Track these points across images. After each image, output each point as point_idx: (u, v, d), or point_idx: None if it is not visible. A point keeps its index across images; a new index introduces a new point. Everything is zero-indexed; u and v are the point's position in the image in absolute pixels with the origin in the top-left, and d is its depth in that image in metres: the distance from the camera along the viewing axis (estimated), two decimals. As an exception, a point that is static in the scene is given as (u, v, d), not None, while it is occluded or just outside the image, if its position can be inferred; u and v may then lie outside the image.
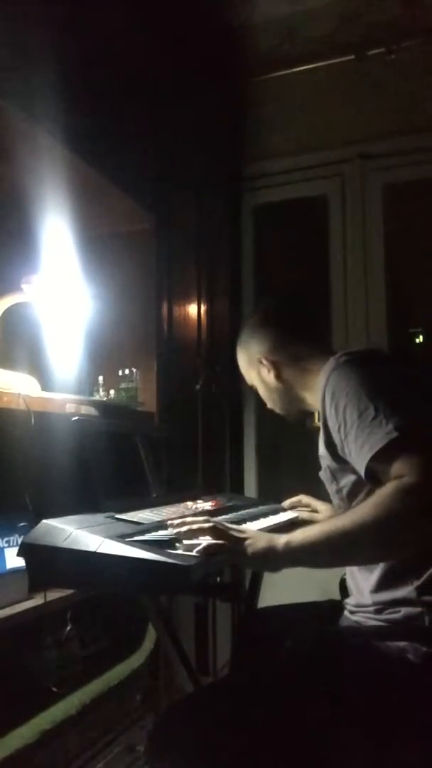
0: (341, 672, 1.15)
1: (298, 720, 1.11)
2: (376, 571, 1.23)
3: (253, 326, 1.53)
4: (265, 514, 1.59)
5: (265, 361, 1.47)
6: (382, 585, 1.22)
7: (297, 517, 1.63)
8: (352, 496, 1.27)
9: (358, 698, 1.10)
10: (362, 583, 1.27)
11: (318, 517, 1.67)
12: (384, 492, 1.05)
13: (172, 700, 1.25)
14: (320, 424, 1.30)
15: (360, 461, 1.13)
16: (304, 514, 1.68)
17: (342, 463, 1.25)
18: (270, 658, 1.27)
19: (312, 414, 1.52)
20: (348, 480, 1.27)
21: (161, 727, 1.30)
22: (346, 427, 1.17)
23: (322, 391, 1.27)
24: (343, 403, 1.19)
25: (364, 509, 1.06)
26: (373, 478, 1.11)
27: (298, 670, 1.18)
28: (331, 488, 1.34)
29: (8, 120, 1.58)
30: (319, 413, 1.39)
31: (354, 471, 1.21)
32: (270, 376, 1.47)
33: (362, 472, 1.13)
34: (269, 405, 1.57)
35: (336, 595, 1.49)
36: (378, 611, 1.23)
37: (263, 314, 1.54)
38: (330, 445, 1.25)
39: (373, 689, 1.12)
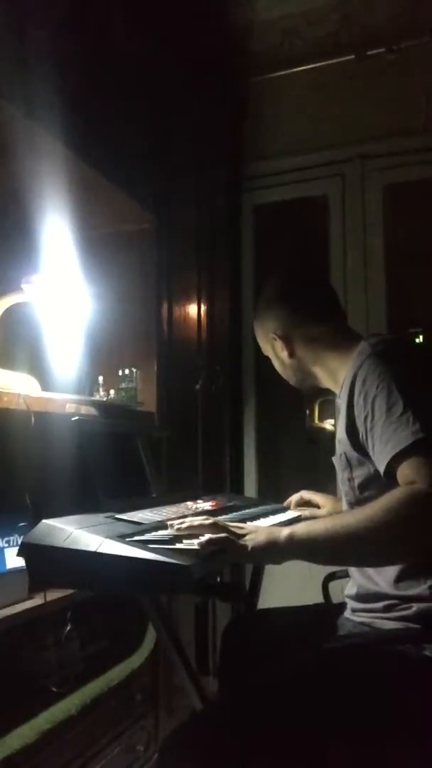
0: (358, 685, 1.11)
1: (317, 743, 1.08)
2: (392, 568, 1.21)
3: (268, 300, 1.50)
4: (265, 514, 1.59)
5: (278, 339, 1.45)
6: (397, 580, 1.20)
7: (298, 517, 1.64)
8: (363, 488, 1.26)
9: (381, 710, 1.08)
10: (376, 577, 1.25)
11: (320, 512, 1.67)
12: (395, 496, 1.04)
13: (173, 727, 1.21)
14: (342, 408, 1.28)
15: (382, 458, 1.12)
16: (306, 513, 1.67)
17: (361, 453, 1.23)
18: (274, 673, 1.24)
19: (323, 390, 1.50)
20: (363, 471, 1.25)
21: (166, 757, 1.23)
22: (373, 419, 1.15)
23: (351, 375, 1.24)
24: (373, 393, 1.16)
25: (372, 511, 1.04)
26: (391, 475, 1.10)
27: (309, 685, 1.14)
28: (342, 475, 1.32)
29: (8, 120, 1.58)
30: (337, 393, 1.38)
31: (372, 463, 1.19)
32: (283, 353, 1.46)
33: (381, 469, 1.12)
34: (283, 376, 1.55)
35: (338, 596, 1.48)
36: (387, 608, 1.21)
37: (279, 288, 1.50)
38: (352, 431, 1.23)
39: (397, 698, 1.09)
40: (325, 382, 1.44)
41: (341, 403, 1.30)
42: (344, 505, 1.38)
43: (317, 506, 1.70)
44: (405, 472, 1.07)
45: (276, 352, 1.49)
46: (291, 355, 1.45)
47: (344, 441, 1.27)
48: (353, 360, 1.27)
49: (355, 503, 1.29)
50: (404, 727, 1.08)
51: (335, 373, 1.39)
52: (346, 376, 1.29)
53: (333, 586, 1.59)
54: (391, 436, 1.10)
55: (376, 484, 1.21)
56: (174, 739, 1.18)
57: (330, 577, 1.63)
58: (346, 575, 1.43)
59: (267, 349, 1.54)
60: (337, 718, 1.09)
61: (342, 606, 1.39)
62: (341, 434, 1.28)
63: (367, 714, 1.08)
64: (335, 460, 1.36)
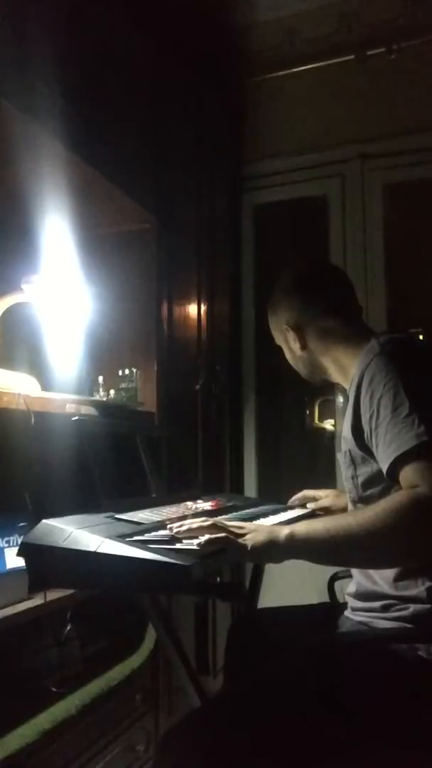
0: (352, 681, 1.12)
1: (313, 739, 1.08)
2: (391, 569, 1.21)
3: (283, 291, 1.49)
4: (265, 514, 1.59)
5: (291, 330, 1.46)
6: (396, 580, 1.21)
7: (298, 516, 1.64)
8: (367, 485, 1.26)
9: (373, 707, 1.08)
10: (376, 576, 1.25)
11: (322, 503, 1.68)
12: (396, 499, 1.04)
13: (171, 725, 1.21)
14: (349, 405, 1.28)
15: (385, 458, 1.12)
16: (311, 505, 1.69)
17: (365, 452, 1.23)
18: (271, 671, 1.24)
19: (333, 384, 1.50)
20: (367, 469, 1.24)
21: (164, 752, 1.21)
22: (378, 418, 1.15)
23: (360, 373, 1.24)
24: (379, 393, 1.16)
25: (373, 513, 1.04)
26: (394, 476, 1.10)
27: (305, 683, 1.14)
28: (346, 472, 1.32)
29: (8, 120, 1.58)
30: (345, 388, 1.38)
31: (376, 462, 1.19)
32: (295, 345, 1.46)
33: (384, 470, 1.12)
34: (294, 367, 1.55)
35: (337, 595, 1.49)
36: (385, 608, 1.22)
37: (293, 280, 1.49)
38: (357, 430, 1.23)
39: (390, 696, 1.10)
40: (335, 376, 1.44)
41: (348, 400, 1.30)
42: (348, 503, 1.38)
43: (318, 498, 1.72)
44: (407, 474, 1.07)
45: (288, 344, 1.49)
46: (303, 347, 1.45)
47: (349, 439, 1.27)
48: (362, 357, 1.27)
49: (358, 500, 1.29)
50: (396, 726, 1.08)
51: (345, 368, 1.38)
52: (354, 373, 1.29)
53: (338, 585, 1.59)
54: (394, 438, 1.10)
55: (379, 483, 1.22)
56: (172, 735, 1.18)
57: (334, 577, 1.63)
58: (351, 575, 1.43)
59: (280, 340, 1.54)
60: (329, 716, 1.09)
61: (345, 605, 1.40)
62: (347, 432, 1.28)
63: (359, 713, 1.08)
64: (339, 456, 1.36)
